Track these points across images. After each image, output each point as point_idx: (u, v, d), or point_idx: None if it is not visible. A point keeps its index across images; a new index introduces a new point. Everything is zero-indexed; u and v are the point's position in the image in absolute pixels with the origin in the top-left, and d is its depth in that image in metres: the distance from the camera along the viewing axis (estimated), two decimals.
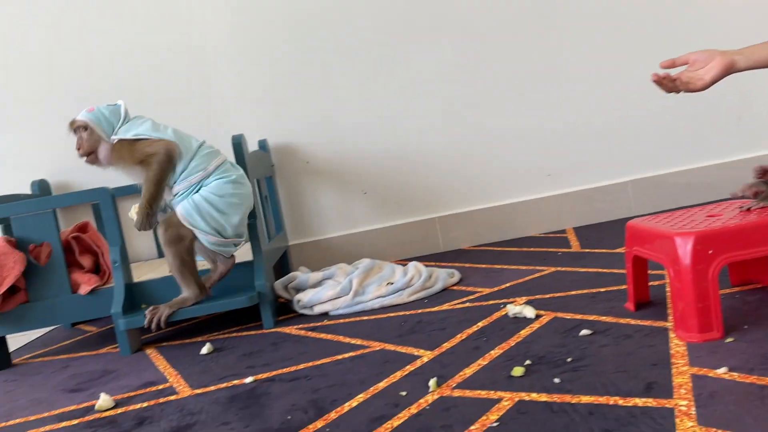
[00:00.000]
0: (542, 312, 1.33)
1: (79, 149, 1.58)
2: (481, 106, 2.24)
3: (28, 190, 2.14)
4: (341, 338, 1.42)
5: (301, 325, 1.58)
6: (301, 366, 1.27)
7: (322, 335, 1.46)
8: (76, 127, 1.58)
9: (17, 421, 1.25)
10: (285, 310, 1.76)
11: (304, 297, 1.69)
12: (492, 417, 0.90)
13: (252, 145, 2.11)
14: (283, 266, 2.12)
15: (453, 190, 2.26)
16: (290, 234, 2.25)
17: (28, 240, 1.67)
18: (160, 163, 1.54)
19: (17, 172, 2.15)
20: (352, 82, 2.22)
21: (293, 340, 1.47)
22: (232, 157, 2.19)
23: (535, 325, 1.26)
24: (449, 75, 2.23)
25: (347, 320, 1.56)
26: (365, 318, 1.55)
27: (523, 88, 2.24)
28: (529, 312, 1.32)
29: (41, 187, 2.12)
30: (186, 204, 1.57)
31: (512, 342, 1.19)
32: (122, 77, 2.17)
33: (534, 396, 0.94)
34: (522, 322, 1.30)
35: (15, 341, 2.02)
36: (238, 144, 1.68)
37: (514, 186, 2.26)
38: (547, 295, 1.45)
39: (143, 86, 2.17)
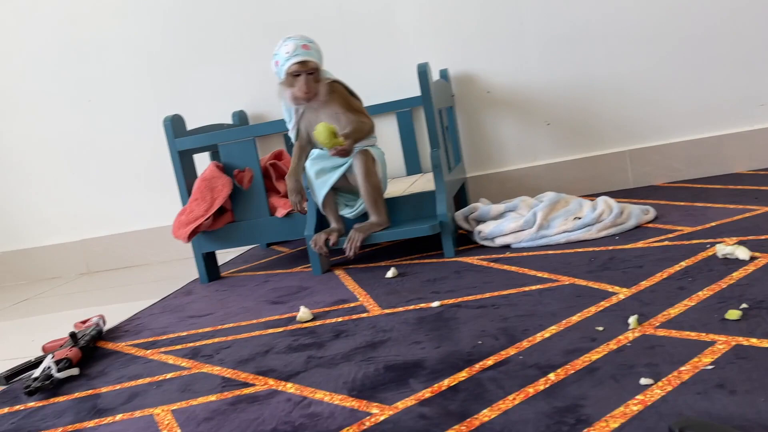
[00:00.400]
0: (758, 254, 1.20)
1: (308, 92, 1.56)
2: (684, 25, 2.01)
3: (229, 120, 2.33)
4: (526, 270, 1.39)
5: (482, 256, 1.58)
6: (487, 294, 1.27)
7: (506, 267, 1.45)
8: (309, 69, 1.56)
9: (231, 324, 1.40)
10: (464, 241, 1.76)
11: (486, 228, 1.67)
12: (705, 359, 0.83)
13: (433, 75, 2.09)
14: (461, 198, 2.12)
15: (647, 121, 2.08)
16: (468, 166, 2.23)
17: (233, 165, 1.82)
18: (370, 127, 1.66)
19: (220, 103, 2.34)
20: (537, 3, 2.09)
21: (476, 269, 1.47)
22: (416, 85, 2.19)
23: (750, 268, 1.14)
24: None
25: (531, 253, 1.52)
26: (550, 252, 1.51)
27: (735, 3, 1.96)
28: (742, 253, 1.19)
29: (240, 118, 2.29)
30: (374, 150, 1.70)
31: (723, 284, 1.08)
32: (310, 8, 2.23)
33: (754, 342, 0.85)
34: (733, 263, 1.18)
35: (221, 257, 2.26)
36: (423, 72, 1.67)
37: (720, 117, 2.03)
38: (763, 236, 1.30)
39: (329, 15, 2.22)
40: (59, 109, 2.47)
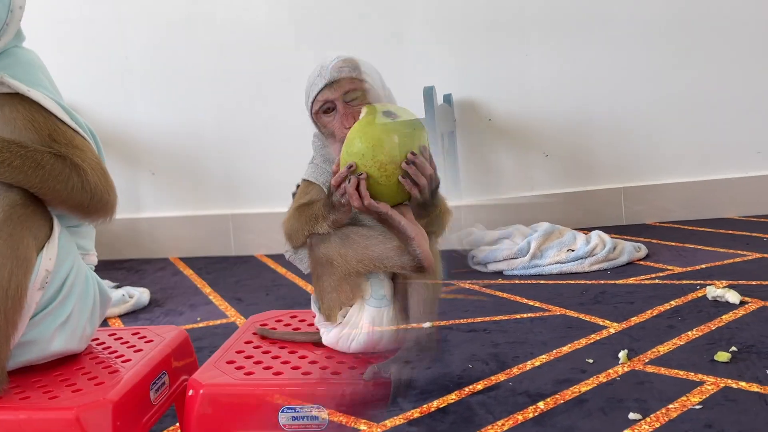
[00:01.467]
0: (748, 299, 1.21)
1: None
2: (687, 67, 2.04)
3: None
4: (518, 298, 1.40)
5: (474, 281, 1.58)
6: (478, 319, 1.27)
7: (498, 293, 1.45)
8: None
9: None
10: (457, 265, 1.77)
11: (480, 254, 1.68)
12: (693, 399, 0.84)
13: (438, 99, 2.11)
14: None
15: (643, 160, 2.11)
16: (464, 191, 2.24)
17: None
18: None
19: None
20: (544, 37, 2.12)
21: (467, 293, 1.47)
22: (419, 108, 2.20)
23: (740, 312, 1.15)
24: (655, 31, 2.05)
25: (523, 282, 1.53)
26: (542, 282, 1.52)
27: (741, 49, 2.01)
28: (733, 297, 1.20)
29: None
30: None
31: (712, 325, 1.10)
32: (325, 24, 2.25)
33: (743, 385, 0.86)
34: (723, 306, 1.19)
35: None
36: (429, 96, 1.69)
37: (716, 161, 2.06)
38: (754, 282, 1.31)
39: (343, 33, 2.23)
40: None
